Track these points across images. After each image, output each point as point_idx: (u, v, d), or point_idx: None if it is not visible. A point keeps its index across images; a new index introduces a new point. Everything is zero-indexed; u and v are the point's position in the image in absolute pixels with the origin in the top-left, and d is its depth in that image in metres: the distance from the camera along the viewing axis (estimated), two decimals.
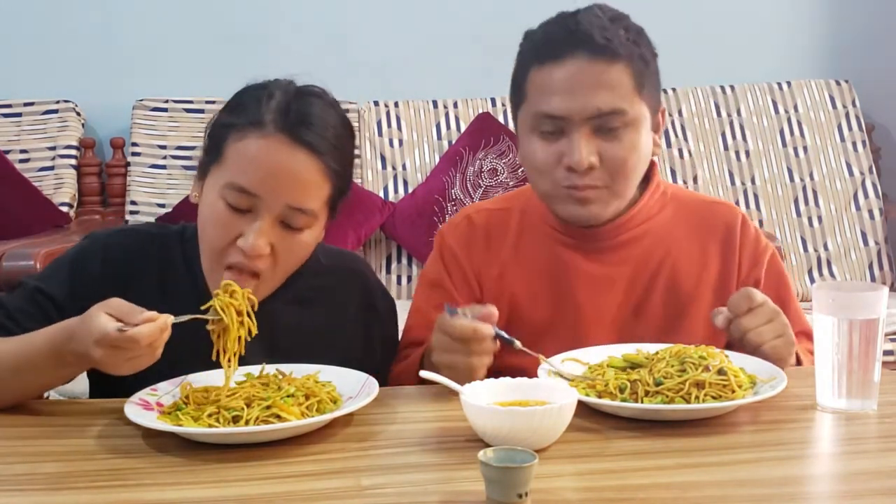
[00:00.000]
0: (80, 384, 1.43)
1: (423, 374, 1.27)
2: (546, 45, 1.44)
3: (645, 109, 1.45)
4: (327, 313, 1.47)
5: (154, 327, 1.17)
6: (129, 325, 1.16)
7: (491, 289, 1.53)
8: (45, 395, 1.39)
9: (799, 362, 1.45)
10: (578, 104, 1.40)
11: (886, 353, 2.65)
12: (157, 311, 1.18)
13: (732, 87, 3.41)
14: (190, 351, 1.26)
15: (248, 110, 1.33)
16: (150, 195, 3.19)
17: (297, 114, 1.33)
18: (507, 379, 1.23)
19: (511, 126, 3.28)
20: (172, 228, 1.47)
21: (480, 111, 3.31)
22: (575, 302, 1.50)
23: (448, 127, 3.31)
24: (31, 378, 1.28)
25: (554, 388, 1.21)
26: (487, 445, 1.07)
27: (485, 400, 1.17)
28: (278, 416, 1.18)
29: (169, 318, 1.19)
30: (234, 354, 1.29)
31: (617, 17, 1.45)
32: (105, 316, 1.17)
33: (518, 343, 1.34)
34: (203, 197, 1.35)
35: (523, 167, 1.53)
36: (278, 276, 1.36)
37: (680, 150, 3.33)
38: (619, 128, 1.42)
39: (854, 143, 3.36)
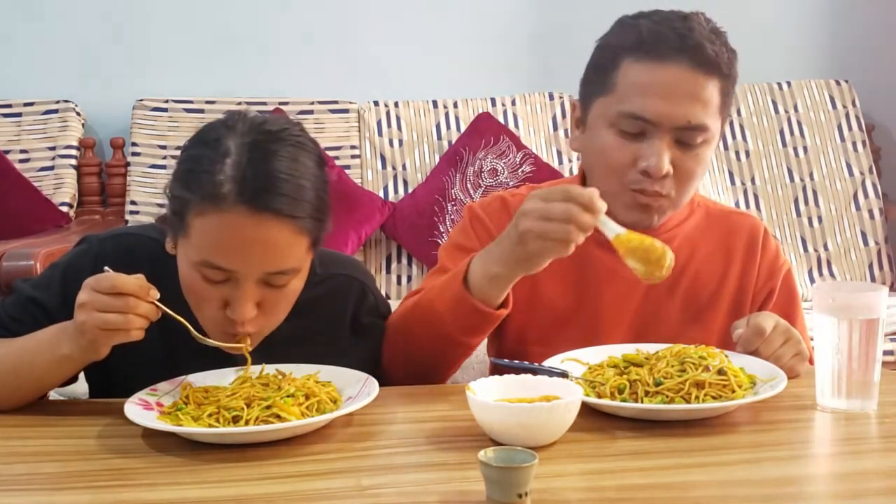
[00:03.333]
0: (81, 385, 1.43)
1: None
2: (651, 42, 1.40)
3: (719, 128, 1.45)
4: (322, 323, 1.44)
5: (138, 283, 1.19)
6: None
7: None
8: (45, 395, 1.39)
9: None
10: (672, 112, 1.38)
11: (886, 353, 2.65)
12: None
13: None
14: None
15: (202, 181, 1.23)
16: (150, 195, 3.19)
17: (257, 177, 1.22)
18: (511, 376, 1.24)
19: (510, 126, 3.28)
20: None
21: (480, 111, 3.30)
22: (597, 298, 1.50)
23: (448, 127, 3.30)
24: (28, 372, 1.28)
25: (558, 385, 1.21)
26: (487, 445, 1.07)
27: (490, 397, 1.18)
28: (278, 416, 1.18)
29: (154, 291, 1.21)
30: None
31: (717, 32, 1.44)
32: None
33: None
34: (178, 261, 1.30)
35: (586, 156, 1.50)
36: (274, 323, 1.33)
37: None
38: (700, 143, 1.41)
39: (854, 143, 3.36)
